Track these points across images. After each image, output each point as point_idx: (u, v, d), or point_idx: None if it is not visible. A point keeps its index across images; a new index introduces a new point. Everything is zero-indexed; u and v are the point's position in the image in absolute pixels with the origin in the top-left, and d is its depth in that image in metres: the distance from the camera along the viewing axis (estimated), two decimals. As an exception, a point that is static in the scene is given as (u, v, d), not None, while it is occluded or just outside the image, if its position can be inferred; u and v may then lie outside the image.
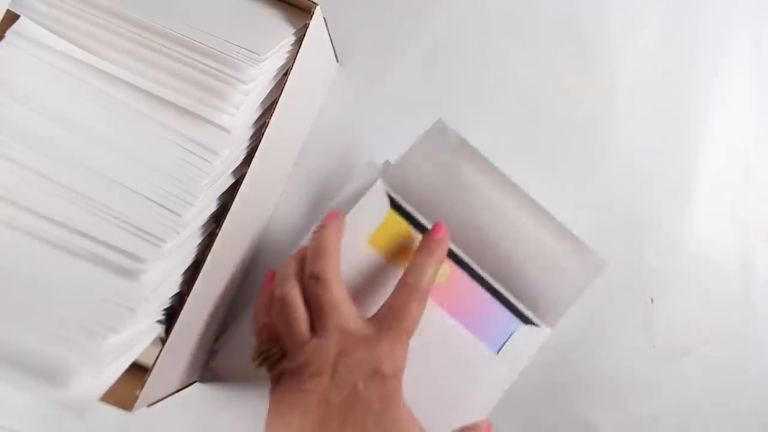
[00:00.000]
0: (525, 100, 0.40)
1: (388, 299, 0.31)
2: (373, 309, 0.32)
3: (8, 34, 0.29)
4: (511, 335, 0.35)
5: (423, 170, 0.36)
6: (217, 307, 0.37)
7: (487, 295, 0.35)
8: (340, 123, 0.41)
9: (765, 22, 0.41)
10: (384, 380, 0.29)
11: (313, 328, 0.30)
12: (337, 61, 0.41)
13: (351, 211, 0.36)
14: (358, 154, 0.40)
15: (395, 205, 0.36)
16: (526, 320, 0.35)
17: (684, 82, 0.41)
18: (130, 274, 0.27)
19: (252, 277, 0.39)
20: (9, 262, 0.27)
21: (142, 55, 0.29)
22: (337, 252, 0.32)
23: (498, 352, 0.35)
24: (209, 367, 0.37)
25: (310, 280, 0.31)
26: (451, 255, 0.35)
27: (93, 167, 0.28)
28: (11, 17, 0.29)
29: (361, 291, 0.35)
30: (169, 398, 0.34)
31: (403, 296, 0.31)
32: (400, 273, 0.33)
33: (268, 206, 0.39)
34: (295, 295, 0.31)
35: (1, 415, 0.37)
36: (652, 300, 0.38)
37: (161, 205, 0.28)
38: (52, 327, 0.26)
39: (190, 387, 0.37)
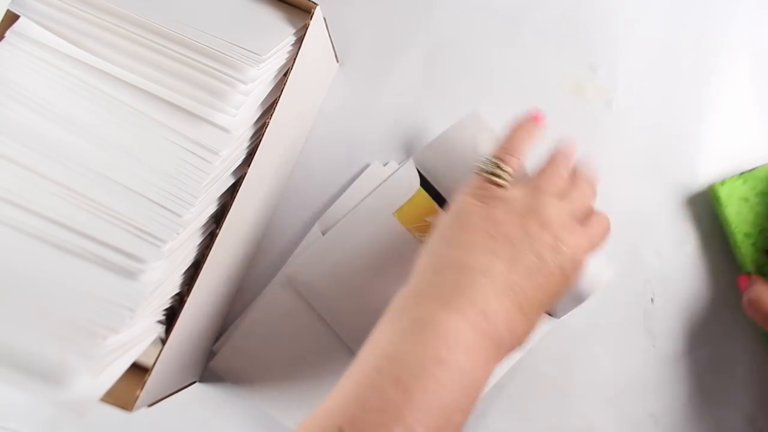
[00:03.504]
0: (525, 100, 0.40)
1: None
2: (392, 275, 0.33)
3: (8, 34, 0.29)
4: None
5: (453, 154, 0.37)
6: (217, 307, 0.37)
7: None
8: (340, 123, 0.41)
9: (766, 21, 0.41)
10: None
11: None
12: (337, 61, 0.41)
13: (383, 183, 0.38)
14: (358, 154, 0.40)
15: (425, 184, 0.38)
16: None
17: (684, 82, 0.41)
18: (130, 275, 0.27)
19: (252, 277, 0.39)
20: (9, 262, 0.27)
21: (142, 55, 0.29)
22: None
23: None
24: (209, 367, 0.37)
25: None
26: None
27: (93, 167, 0.28)
28: (11, 17, 0.29)
29: (381, 257, 0.37)
30: (169, 398, 0.34)
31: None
32: (420, 245, 0.34)
33: (268, 206, 0.39)
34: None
35: (1, 415, 0.37)
36: (652, 300, 0.38)
37: (161, 206, 0.28)
38: (52, 327, 0.26)
39: (190, 387, 0.37)
